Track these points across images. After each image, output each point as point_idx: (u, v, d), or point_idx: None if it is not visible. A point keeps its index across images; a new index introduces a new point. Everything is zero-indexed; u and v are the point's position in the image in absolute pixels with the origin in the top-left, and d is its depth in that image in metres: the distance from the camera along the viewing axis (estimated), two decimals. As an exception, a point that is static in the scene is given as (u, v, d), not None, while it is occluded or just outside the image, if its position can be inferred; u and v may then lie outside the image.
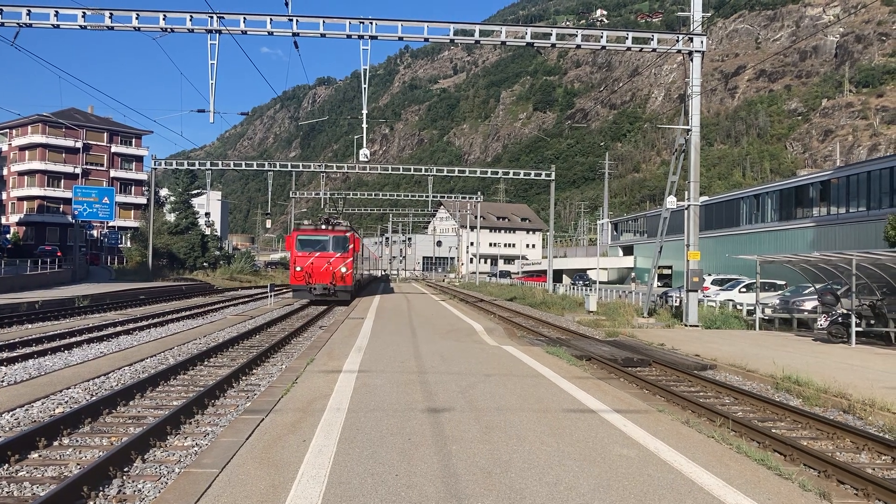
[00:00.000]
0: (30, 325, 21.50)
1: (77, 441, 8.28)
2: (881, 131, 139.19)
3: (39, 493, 6.44)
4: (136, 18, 24.39)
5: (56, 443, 8.11)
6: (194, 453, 7.81)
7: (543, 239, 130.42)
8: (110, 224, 77.62)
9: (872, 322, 20.25)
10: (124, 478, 6.87)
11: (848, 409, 11.05)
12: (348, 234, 31.94)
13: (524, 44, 26.29)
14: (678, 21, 28.35)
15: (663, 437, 7.80)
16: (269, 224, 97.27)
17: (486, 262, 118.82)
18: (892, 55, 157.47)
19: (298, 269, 31.20)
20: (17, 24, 23.87)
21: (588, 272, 77.69)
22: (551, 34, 26.32)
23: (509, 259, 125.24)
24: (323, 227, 32.53)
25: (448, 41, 27.24)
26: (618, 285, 65.30)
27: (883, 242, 29.97)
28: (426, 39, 26.36)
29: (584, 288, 50.25)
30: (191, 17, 24.45)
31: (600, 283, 55.84)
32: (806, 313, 25.22)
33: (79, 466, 7.18)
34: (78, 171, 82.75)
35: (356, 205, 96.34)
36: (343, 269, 31.14)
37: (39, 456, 7.61)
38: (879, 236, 31.77)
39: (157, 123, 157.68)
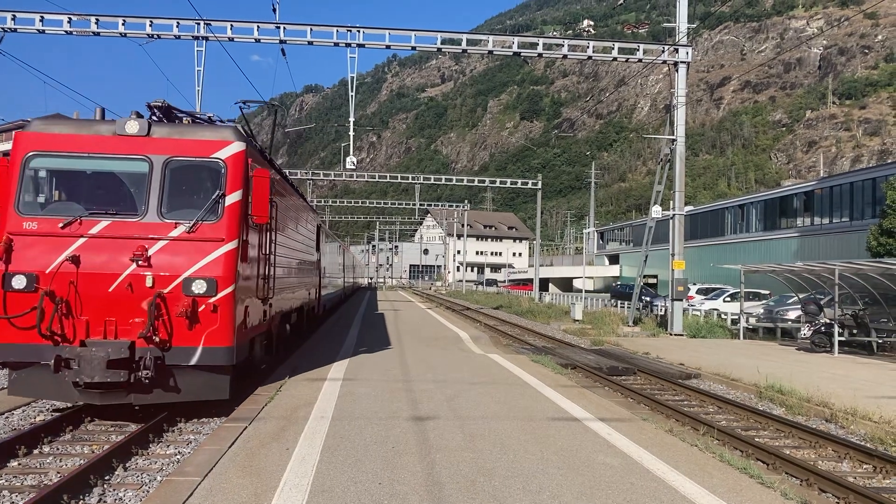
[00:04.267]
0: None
1: (58, 449, 8.20)
2: (864, 143, 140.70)
3: (19, 501, 6.39)
4: (123, 24, 24.23)
5: (36, 451, 8.03)
6: (176, 461, 7.75)
7: (530, 247, 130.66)
8: (95, 230, 76.96)
9: (855, 331, 20.42)
10: (105, 486, 6.82)
11: (830, 418, 11.14)
12: (224, 157, 9.26)
13: (511, 53, 26.40)
14: (664, 32, 28.60)
15: (647, 445, 7.82)
16: None
17: (472, 271, 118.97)
18: (874, 67, 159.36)
19: (19, 284, 8.53)
20: (3, 28, 23.67)
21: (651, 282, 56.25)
22: (538, 44, 26.44)
23: (496, 267, 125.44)
24: (131, 120, 9.23)
25: (435, 50, 27.30)
26: (604, 294, 65.34)
27: (865, 253, 30.20)
28: (414, 48, 26.41)
29: (653, 306, 36.60)
30: (177, 23, 24.34)
31: (586, 291, 55.51)
32: (789, 323, 25.41)
33: (59, 475, 7.12)
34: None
35: (343, 212, 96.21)
36: (197, 287, 8.71)
37: (19, 464, 7.54)
38: (862, 247, 32.02)
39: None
